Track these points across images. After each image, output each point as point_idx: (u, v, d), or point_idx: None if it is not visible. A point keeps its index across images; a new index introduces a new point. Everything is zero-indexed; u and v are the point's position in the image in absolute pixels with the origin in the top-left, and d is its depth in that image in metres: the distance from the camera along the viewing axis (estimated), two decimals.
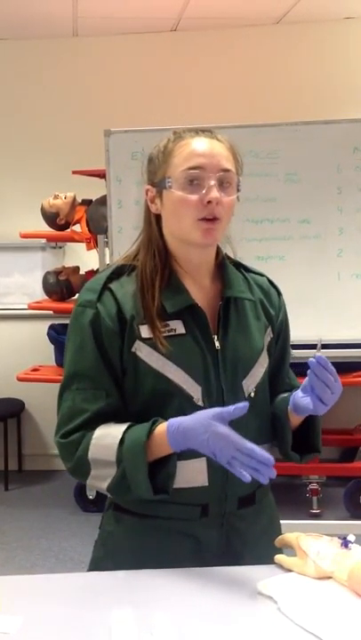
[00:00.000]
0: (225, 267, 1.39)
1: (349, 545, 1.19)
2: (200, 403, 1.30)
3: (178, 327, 1.31)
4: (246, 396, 1.33)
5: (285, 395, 1.40)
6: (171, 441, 1.22)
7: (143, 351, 1.30)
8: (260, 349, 1.37)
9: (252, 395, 1.34)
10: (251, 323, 1.38)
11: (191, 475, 1.31)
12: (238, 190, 1.32)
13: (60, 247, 4.62)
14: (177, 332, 1.31)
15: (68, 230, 3.98)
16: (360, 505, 3.68)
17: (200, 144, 1.29)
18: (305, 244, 3.31)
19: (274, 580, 1.19)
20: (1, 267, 4.60)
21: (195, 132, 1.32)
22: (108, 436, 1.26)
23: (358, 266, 3.31)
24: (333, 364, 4.33)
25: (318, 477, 3.72)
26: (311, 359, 1.24)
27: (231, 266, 1.41)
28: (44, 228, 4.09)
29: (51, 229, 4.09)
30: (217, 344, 1.32)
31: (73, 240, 4.04)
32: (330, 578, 1.18)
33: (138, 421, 1.29)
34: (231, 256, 1.44)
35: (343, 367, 3.66)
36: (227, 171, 1.29)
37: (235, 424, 1.28)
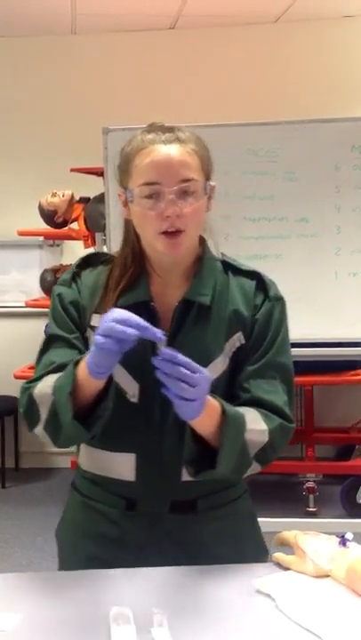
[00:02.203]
0: (201, 267, 1.34)
1: (347, 543, 1.19)
2: (134, 399, 1.30)
3: None
4: None
5: None
6: (89, 365, 1.17)
7: (91, 339, 1.29)
8: (212, 356, 1.30)
9: None
10: (210, 328, 1.31)
11: (118, 467, 1.32)
12: (207, 194, 1.27)
13: (58, 245, 4.61)
14: None
15: (66, 228, 3.98)
16: (356, 503, 3.69)
17: (158, 154, 1.24)
18: (303, 243, 3.31)
19: (272, 577, 1.20)
20: None
21: (156, 133, 1.26)
22: (54, 376, 1.26)
23: (356, 264, 3.31)
24: (330, 362, 4.29)
25: (315, 475, 3.72)
26: (153, 357, 1.13)
27: (210, 268, 1.34)
28: (42, 225, 4.09)
29: (48, 227, 4.08)
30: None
31: (71, 238, 4.04)
32: (328, 576, 1.19)
33: None
34: (214, 252, 1.37)
35: (340, 365, 3.69)
36: (187, 181, 1.23)
37: (168, 425, 1.29)
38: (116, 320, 1.12)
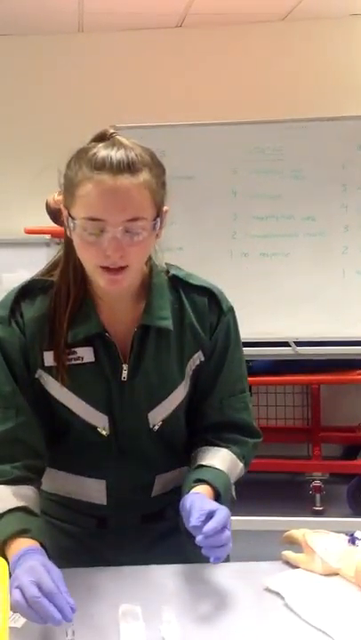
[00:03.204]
0: (151, 288, 1.26)
1: (356, 542, 1.19)
2: (105, 432, 1.27)
3: (87, 355, 1.23)
4: (150, 427, 1.28)
5: (193, 474, 1.25)
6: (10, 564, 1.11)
7: (45, 379, 1.25)
8: (175, 382, 1.28)
9: (156, 427, 1.28)
10: (171, 352, 1.26)
11: (89, 491, 1.32)
12: (156, 228, 1.17)
13: None
14: (84, 361, 1.23)
15: None
16: None
17: (104, 188, 1.11)
18: (310, 241, 3.31)
19: (281, 575, 1.20)
20: (5, 262, 4.59)
21: (107, 152, 1.12)
22: None
23: None
24: (337, 361, 4.27)
25: (321, 474, 3.71)
26: (199, 539, 1.09)
27: (160, 286, 1.27)
28: (49, 223, 4.09)
29: (55, 225, 4.08)
30: (124, 374, 1.24)
31: None
32: (337, 574, 1.19)
33: (52, 435, 1.27)
34: (164, 266, 1.30)
35: (346, 365, 3.68)
36: (135, 220, 1.13)
37: (137, 452, 1.29)
38: (21, 603, 1.01)
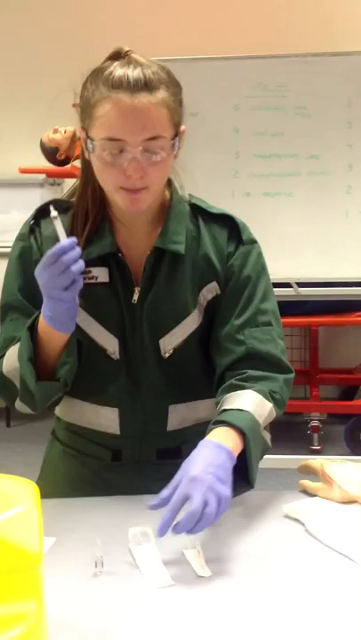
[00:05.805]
0: (169, 212, 1.25)
1: None
2: (114, 356, 1.27)
3: (101, 275, 1.24)
4: (162, 354, 1.27)
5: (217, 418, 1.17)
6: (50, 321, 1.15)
7: None
8: (187, 310, 1.26)
9: (167, 355, 1.28)
10: (185, 278, 1.25)
11: (102, 421, 1.31)
12: (175, 148, 1.15)
13: (59, 184, 4.53)
14: (98, 281, 1.24)
15: (69, 166, 3.90)
16: (360, 441, 3.74)
17: (122, 107, 1.09)
18: (313, 181, 3.26)
19: (300, 503, 1.21)
20: None
21: (123, 71, 1.10)
22: (17, 346, 1.22)
23: None
24: (336, 303, 4.26)
25: (319, 415, 3.77)
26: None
27: (180, 213, 1.25)
28: (44, 163, 4.01)
29: (50, 165, 4.00)
30: (135, 297, 1.24)
31: (73, 176, 3.94)
32: (355, 502, 1.20)
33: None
34: (181, 194, 1.28)
35: (346, 306, 3.68)
36: (154, 138, 1.12)
37: (149, 380, 1.27)
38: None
